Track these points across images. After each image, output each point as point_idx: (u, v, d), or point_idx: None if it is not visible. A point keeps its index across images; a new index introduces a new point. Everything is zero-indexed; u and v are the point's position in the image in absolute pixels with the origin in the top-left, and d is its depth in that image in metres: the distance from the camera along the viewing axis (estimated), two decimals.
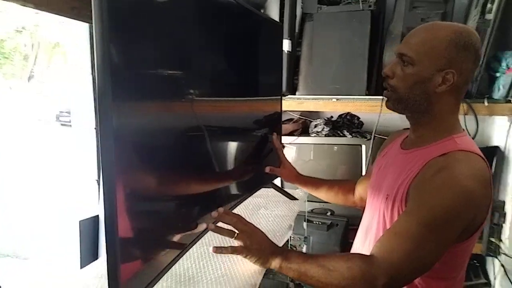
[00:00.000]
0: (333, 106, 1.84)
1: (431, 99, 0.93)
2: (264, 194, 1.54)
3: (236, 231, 0.91)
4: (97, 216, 2.02)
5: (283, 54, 1.80)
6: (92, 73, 2.11)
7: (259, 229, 0.94)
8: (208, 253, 1.05)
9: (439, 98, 0.93)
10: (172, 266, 0.82)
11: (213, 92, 1.06)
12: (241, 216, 0.95)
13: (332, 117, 1.98)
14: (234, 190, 1.22)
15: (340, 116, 1.96)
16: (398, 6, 1.87)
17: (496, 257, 1.61)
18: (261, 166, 1.44)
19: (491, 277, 1.66)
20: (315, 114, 2.16)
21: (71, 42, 2.18)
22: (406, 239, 0.84)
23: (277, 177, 1.61)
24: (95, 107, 2.15)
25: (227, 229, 0.91)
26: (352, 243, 1.17)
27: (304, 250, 1.89)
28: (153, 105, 0.76)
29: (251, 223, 0.94)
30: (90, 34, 2.08)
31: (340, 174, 1.96)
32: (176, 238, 0.86)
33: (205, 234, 0.98)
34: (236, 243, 0.90)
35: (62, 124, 7.45)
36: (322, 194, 1.38)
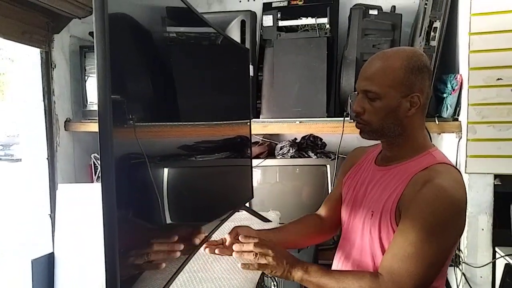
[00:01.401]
0: (297, 128, 1.89)
1: (403, 123, 0.99)
2: (238, 218, 1.53)
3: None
4: (52, 253, 1.87)
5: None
6: (44, 100, 2.01)
7: (278, 247, 0.99)
8: (191, 280, 1.01)
9: (410, 119, 0.99)
10: None
11: (185, 117, 1.05)
12: (258, 238, 1.00)
13: (296, 139, 2.03)
14: (210, 216, 1.20)
15: (303, 138, 2.01)
16: (351, 33, 1.99)
17: (457, 267, 1.70)
18: (233, 190, 1.43)
19: (454, 286, 1.74)
20: (276, 137, 2.20)
21: (17, 71, 2.06)
22: (406, 258, 0.88)
23: (249, 199, 1.61)
24: (47, 136, 2.03)
25: (249, 254, 0.97)
26: (324, 264, 1.17)
27: None
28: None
29: (269, 243, 0.99)
30: (41, 59, 1.99)
31: (305, 195, 1.99)
32: (165, 263, 0.82)
33: (190, 259, 0.94)
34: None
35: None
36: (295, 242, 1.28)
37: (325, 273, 0.96)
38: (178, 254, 0.87)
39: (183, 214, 1.00)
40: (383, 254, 0.95)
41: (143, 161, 0.79)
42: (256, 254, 0.97)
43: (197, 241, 1.04)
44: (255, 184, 2.04)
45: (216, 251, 1.09)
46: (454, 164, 1.01)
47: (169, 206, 0.90)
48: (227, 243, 1.10)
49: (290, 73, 1.97)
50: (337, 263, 1.13)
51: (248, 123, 1.55)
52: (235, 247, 1.01)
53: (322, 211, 1.26)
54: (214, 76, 1.26)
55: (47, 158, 2.01)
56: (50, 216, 1.97)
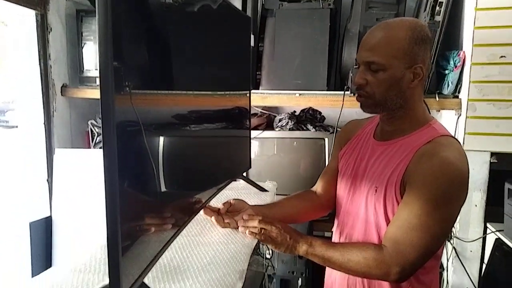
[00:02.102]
0: (296, 101, 1.88)
1: (406, 94, 0.98)
2: (235, 187, 1.53)
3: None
4: (49, 217, 1.88)
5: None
6: (40, 64, 1.97)
7: (282, 223, 1.02)
8: (190, 243, 1.03)
9: (412, 91, 0.98)
10: (159, 257, 0.78)
11: (181, 86, 1.03)
12: (262, 216, 1.04)
13: (295, 111, 2.02)
14: (208, 183, 1.20)
15: (302, 111, 2.00)
16: (355, 6, 1.95)
17: (449, 241, 1.73)
18: (231, 160, 1.44)
19: (444, 260, 1.79)
20: (275, 110, 2.19)
21: (12, 34, 2.01)
22: (411, 230, 0.89)
23: (247, 169, 1.62)
24: (43, 101, 2.01)
25: (254, 229, 1.00)
26: (318, 235, 1.20)
27: None
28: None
29: (273, 221, 1.01)
30: (37, 21, 1.94)
31: (303, 168, 2.00)
32: (162, 228, 0.83)
33: (186, 225, 0.95)
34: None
35: None
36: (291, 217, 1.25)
37: (330, 246, 0.98)
38: (175, 219, 0.88)
39: (181, 181, 1.00)
40: (387, 226, 0.96)
41: (142, 128, 0.79)
42: (260, 230, 0.99)
43: (194, 207, 1.06)
44: (253, 155, 2.04)
45: (213, 218, 1.11)
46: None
47: (167, 173, 0.90)
48: (221, 212, 1.12)
49: (291, 44, 1.94)
50: (339, 238, 1.13)
51: (248, 94, 1.53)
52: (240, 224, 1.04)
53: (318, 187, 1.26)
54: (214, 44, 1.24)
55: (44, 123, 1.99)
56: (47, 181, 1.98)
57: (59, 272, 0.88)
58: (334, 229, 1.17)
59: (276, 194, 1.69)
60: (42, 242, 1.85)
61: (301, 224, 1.80)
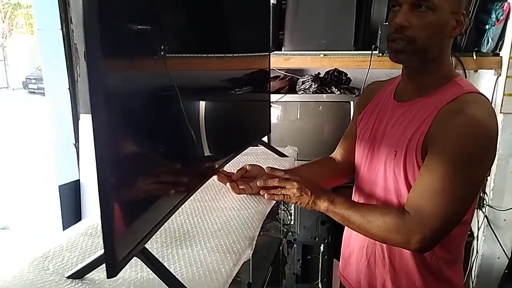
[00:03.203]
0: (321, 62, 1.79)
1: (444, 44, 0.89)
2: (254, 152, 1.50)
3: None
4: (78, 180, 1.94)
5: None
6: (62, 30, 1.97)
7: (304, 178, 0.99)
8: (202, 209, 1.01)
9: (449, 42, 0.90)
10: (164, 222, 0.77)
11: (196, 49, 0.98)
12: (282, 173, 1.00)
13: (319, 73, 1.93)
14: (222, 148, 1.17)
15: (327, 72, 1.91)
16: None
17: (481, 209, 1.65)
18: (249, 125, 1.39)
19: (475, 229, 1.71)
20: (300, 72, 2.10)
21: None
22: (433, 195, 0.83)
23: (266, 134, 1.58)
24: (67, 66, 2.02)
25: (275, 189, 0.98)
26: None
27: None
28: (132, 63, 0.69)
29: (294, 177, 0.98)
30: None
31: (327, 133, 1.93)
32: (168, 192, 0.81)
33: (196, 190, 0.93)
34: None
35: (30, 92, 7.10)
36: None
37: (351, 205, 0.93)
38: (183, 183, 0.86)
39: (192, 145, 0.97)
40: (408, 192, 0.90)
41: (154, 89, 0.77)
42: (280, 189, 0.97)
43: (206, 172, 1.03)
44: (275, 120, 1.99)
45: (228, 184, 1.08)
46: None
47: (175, 135, 0.87)
48: (233, 177, 1.09)
49: (316, 1, 1.82)
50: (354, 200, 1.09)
51: (268, 56, 1.46)
52: (259, 182, 1.01)
53: (337, 154, 1.20)
54: (228, 2, 1.17)
55: (69, 89, 2.01)
56: (75, 145, 2.03)
57: (89, 223, 0.91)
58: (352, 197, 1.12)
59: (298, 160, 1.65)
60: (72, 204, 1.92)
61: None
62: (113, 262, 0.58)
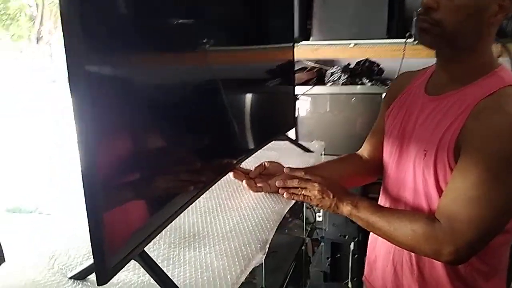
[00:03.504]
0: (351, 52, 1.69)
1: (482, 32, 0.78)
2: (277, 147, 1.44)
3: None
4: None
5: None
6: None
7: (327, 179, 0.91)
8: (216, 207, 0.98)
9: (489, 30, 0.79)
10: (167, 224, 0.73)
11: (218, 41, 0.93)
12: (304, 170, 0.94)
13: (349, 64, 1.83)
14: (241, 143, 1.13)
15: (358, 63, 1.81)
16: None
17: None
18: (272, 118, 1.34)
19: None
20: (330, 63, 2.01)
21: None
22: (468, 203, 0.73)
23: (291, 128, 1.51)
24: None
25: (295, 189, 0.91)
26: (374, 197, 1.07)
27: None
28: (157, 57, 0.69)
29: (315, 177, 0.91)
30: None
31: (359, 126, 1.84)
32: (173, 191, 0.77)
33: (207, 189, 0.89)
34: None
35: None
36: None
37: (376, 210, 0.85)
38: (192, 180, 0.83)
39: (207, 139, 0.93)
40: (440, 197, 0.81)
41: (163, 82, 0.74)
42: (300, 190, 0.91)
43: (222, 168, 0.99)
44: (304, 113, 1.92)
45: (244, 182, 1.04)
46: None
47: (189, 128, 0.84)
48: (251, 175, 1.04)
49: None
50: (385, 205, 0.99)
51: (292, 47, 1.39)
52: (278, 183, 0.94)
53: (364, 151, 1.11)
54: None
55: None
56: None
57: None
58: (379, 198, 1.04)
59: (326, 155, 1.58)
60: None
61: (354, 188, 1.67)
62: (102, 268, 0.54)
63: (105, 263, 0.54)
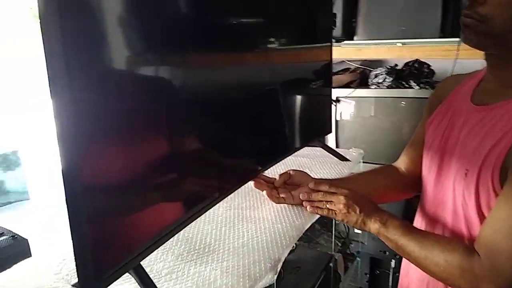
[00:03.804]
0: (398, 52, 1.56)
1: None
2: (311, 154, 1.36)
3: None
4: None
5: None
6: None
7: (354, 192, 0.85)
8: (234, 218, 0.92)
9: None
10: (170, 238, 0.69)
11: (245, 44, 0.91)
12: (329, 183, 0.88)
13: (396, 65, 1.69)
14: (270, 147, 1.06)
15: (406, 64, 1.66)
16: None
17: None
18: (306, 122, 1.26)
19: None
20: (376, 64, 1.87)
21: None
22: None
23: (326, 134, 1.42)
24: None
25: (320, 203, 0.87)
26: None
27: None
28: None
29: (343, 189, 0.85)
30: None
31: (406, 133, 1.69)
32: (179, 199, 0.73)
33: (219, 200, 0.83)
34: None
35: None
36: None
37: (407, 232, 0.76)
38: (206, 189, 0.78)
39: (233, 142, 0.88)
40: (481, 222, 0.70)
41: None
42: (325, 203, 0.85)
43: (246, 174, 0.94)
44: (347, 117, 1.81)
45: (264, 192, 0.98)
46: None
47: (207, 129, 0.79)
48: (275, 183, 0.97)
49: None
50: (421, 226, 0.89)
51: (329, 47, 1.30)
52: (301, 196, 0.90)
53: (401, 163, 1.00)
54: None
55: None
56: None
57: None
58: (415, 217, 0.93)
59: (365, 162, 1.47)
60: None
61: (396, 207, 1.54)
62: (86, 283, 0.51)
63: (91, 274, 0.50)
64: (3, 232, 1.00)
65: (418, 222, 0.90)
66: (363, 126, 1.80)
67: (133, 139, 0.60)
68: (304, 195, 0.90)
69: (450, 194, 0.77)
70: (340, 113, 1.82)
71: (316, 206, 0.87)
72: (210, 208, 0.80)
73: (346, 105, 1.79)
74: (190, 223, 0.74)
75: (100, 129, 0.52)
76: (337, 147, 1.76)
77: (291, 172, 0.99)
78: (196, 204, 0.76)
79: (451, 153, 0.78)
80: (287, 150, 1.14)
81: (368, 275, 1.70)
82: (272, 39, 1.05)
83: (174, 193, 0.71)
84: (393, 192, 1.01)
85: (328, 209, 0.85)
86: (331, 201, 0.85)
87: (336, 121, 1.76)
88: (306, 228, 0.90)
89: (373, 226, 0.80)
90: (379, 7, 1.62)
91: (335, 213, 0.84)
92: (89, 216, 0.50)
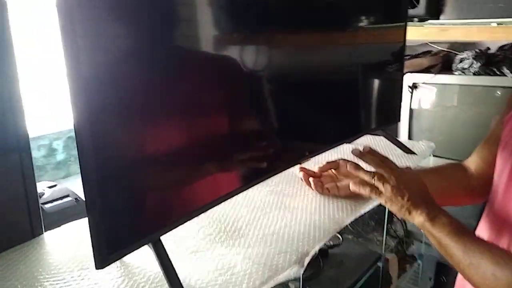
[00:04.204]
0: (491, 33, 1.35)
1: None
2: (373, 144, 1.27)
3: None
4: None
5: None
6: None
7: (412, 176, 0.75)
8: (272, 203, 0.89)
9: None
10: (198, 214, 0.68)
11: (304, 24, 0.86)
12: (384, 158, 0.76)
13: (489, 48, 1.47)
14: (323, 132, 1.01)
15: (501, 47, 1.44)
16: None
17: None
18: (369, 108, 1.17)
19: None
20: (467, 47, 1.65)
21: None
22: None
23: (393, 123, 1.30)
24: None
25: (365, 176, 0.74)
26: None
27: None
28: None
29: (399, 169, 0.75)
30: None
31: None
32: (213, 174, 0.72)
33: (257, 183, 0.81)
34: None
35: None
36: None
37: (454, 232, 0.66)
38: (241, 170, 0.77)
39: (282, 124, 0.86)
40: None
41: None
42: (374, 175, 0.73)
43: (287, 160, 0.90)
44: (426, 106, 1.64)
45: (311, 179, 0.93)
46: None
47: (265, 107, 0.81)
48: (319, 170, 0.92)
49: None
50: (483, 238, 0.77)
51: (403, 27, 1.17)
52: (352, 186, 0.77)
53: (472, 163, 0.87)
54: None
55: None
56: None
57: None
58: (479, 225, 0.81)
59: (436, 156, 1.32)
60: None
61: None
62: (99, 250, 0.53)
63: (104, 244, 0.52)
64: (68, 194, 1.11)
65: (482, 232, 0.78)
66: (443, 116, 1.62)
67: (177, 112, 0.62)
68: (354, 185, 0.76)
69: None
70: (419, 101, 1.65)
71: (358, 185, 0.75)
72: (244, 190, 0.78)
73: (425, 92, 1.62)
74: (219, 203, 0.73)
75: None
76: (409, 138, 1.61)
77: (341, 161, 0.93)
78: (233, 183, 0.75)
79: None
80: (343, 137, 1.06)
81: (432, 280, 1.56)
82: (341, 19, 0.98)
83: (210, 172, 0.71)
84: (456, 195, 0.89)
85: (373, 186, 0.73)
86: (380, 179, 0.72)
87: (411, 110, 1.61)
88: (346, 223, 0.84)
89: (418, 218, 0.70)
90: None
91: (380, 194, 0.73)
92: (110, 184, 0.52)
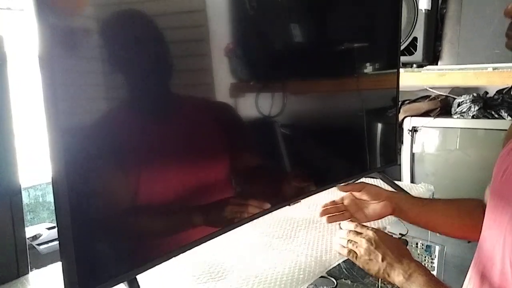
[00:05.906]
0: (488, 77, 1.37)
1: None
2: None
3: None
4: None
5: (417, 12, 1.45)
6: None
7: (384, 235, 0.76)
8: (259, 246, 0.90)
9: None
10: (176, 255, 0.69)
11: (294, 73, 0.91)
12: (358, 225, 0.79)
13: (487, 93, 1.48)
14: (317, 175, 1.02)
15: (499, 91, 1.45)
16: None
17: None
18: (364, 151, 1.18)
19: None
20: (467, 91, 1.66)
21: None
22: None
23: (390, 165, 1.30)
24: None
25: (341, 241, 0.78)
26: None
27: (435, 265, 1.52)
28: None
29: (368, 231, 0.76)
30: None
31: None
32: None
33: (237, 226, 0.81)
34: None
35: None
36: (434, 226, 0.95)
37: None
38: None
39: (281, 165, 0.90)
40: None
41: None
42: (348, 243, 0.77)
43: (284, 199, 0.91)
44: (429, 149, 1.63)
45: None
46: None
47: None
48: (342, 189, 0.93)
49: (487, 2, 1.41)
50: (469, 279, 0.75)
51: (396, 73, 1.21)
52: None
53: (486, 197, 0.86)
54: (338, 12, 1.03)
55: None
56: None
57: None
58: (468, 272, 0.78)
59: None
60: None
61: None
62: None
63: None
64: None
65: (469, 278, 0.76)
66: (446, 160, 1.61)
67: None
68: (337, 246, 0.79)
69: (499, 246, 0.63)
70: (422, 144, 1.65)
71: (340, 244, 0.78)
72: (226, 232, 0.79)
73: (426, 136, 1.62)
74: (199, 244, 0.73)
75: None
76: (412, 182, 1.59)
77: (362, 186, 0.93)
78: (212, 230, 0.75)
79: (503, 196, 0.64)
80: (338, 179, 1.07)
81: None
82: (336, 69, 1.04)
83: (189, 217, 0.72)
84: (470, 229, 0.85)
85: (350, 250, 0.76)
86: (353, 244, 0.75)
87: (412, 154, 1.60)
88: (332, 266, 0.83)
89: (398, 278, 0.70)
90: (467, 31, 1.44)
91: (356, 257, 0.75)
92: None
